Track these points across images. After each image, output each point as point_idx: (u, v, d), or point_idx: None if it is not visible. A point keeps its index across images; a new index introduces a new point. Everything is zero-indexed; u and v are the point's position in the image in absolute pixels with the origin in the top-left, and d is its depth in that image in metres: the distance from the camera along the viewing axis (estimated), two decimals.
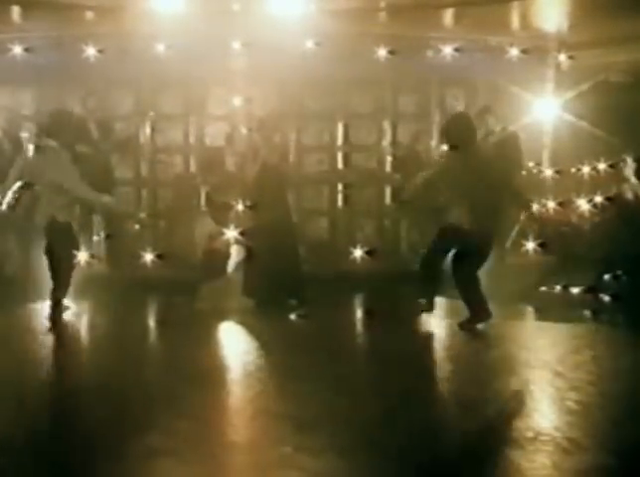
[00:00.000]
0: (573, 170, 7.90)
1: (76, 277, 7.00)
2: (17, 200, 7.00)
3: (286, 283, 6.93)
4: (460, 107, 8.55)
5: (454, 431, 3.93)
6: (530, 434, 3.75)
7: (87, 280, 7.04)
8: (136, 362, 5.31)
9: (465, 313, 6.06)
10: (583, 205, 7.58)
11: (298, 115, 8.40)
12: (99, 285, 7.11)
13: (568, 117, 7.78)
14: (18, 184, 7.14)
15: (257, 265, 6.82)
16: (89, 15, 6.93)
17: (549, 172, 7.97)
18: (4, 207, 7.07)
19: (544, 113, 7.92)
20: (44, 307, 6.65)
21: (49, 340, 6.00)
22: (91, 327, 6.59)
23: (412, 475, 3.40)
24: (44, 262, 6.76)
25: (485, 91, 8.34)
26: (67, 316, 6.49)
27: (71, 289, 6.80)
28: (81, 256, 7.14)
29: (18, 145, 7.49)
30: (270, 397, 4.44)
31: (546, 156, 8.06)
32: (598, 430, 3.92)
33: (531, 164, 8.07)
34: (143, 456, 3.54)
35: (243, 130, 7.55)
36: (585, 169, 7.78)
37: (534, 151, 8.07)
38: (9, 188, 7.14)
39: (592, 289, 7.14)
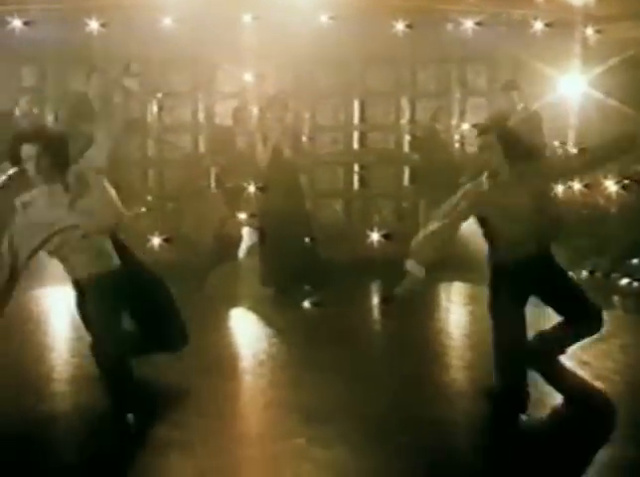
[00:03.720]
0: None
1: None
2: (6, 184, 6.83)
3: (301, 269, 6.72)
4: (482, 84, 8.30)
5: (473, 422, 3.88)
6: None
7: None
8: None
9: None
10: (611, 186, 7.38)
11: (312, 93, 8.13)
12: None
13: (596, 94, 7.49)
14: (13, 169, 6.95)
15: (271, 250, 6.61)
16: None
17: (574, 152, 7.71)
18: None
19: (569, 90, 7.65)
20: (45, 294, 6.53)
21: (52, 327, 5.85)
22: None
23: (426, 468, 3.33)
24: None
25: (508, 67, 8.07)
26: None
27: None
28: None
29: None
30: (283, 387, 4.44)
31: (571, 135, 7.80)
32: (625, 421, 3.85)
33: (556, 143, 7.83)
34: (153, 448, 3.53)
35: (255, 109, 7.33)
36: None
37: (559, 130, 7.84)
38: (4, 170, 6.97)
39: (620, 274, 6.93)
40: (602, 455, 3.46)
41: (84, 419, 3.97)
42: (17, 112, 7.30)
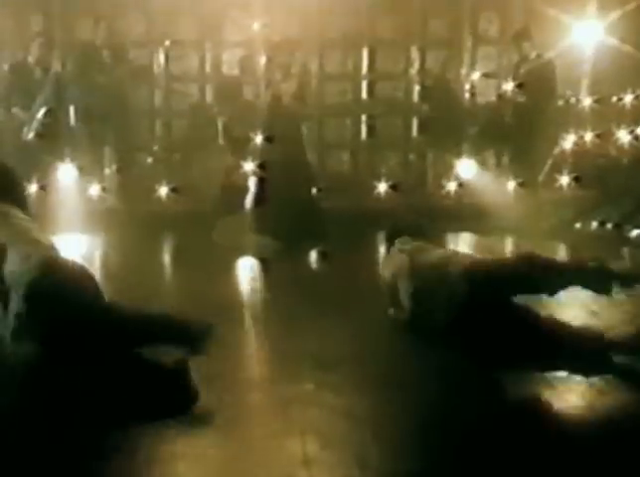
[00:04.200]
0: (614, 99, 7.55)
1: (88, 211, 6.85)
2: (44, 128, 6.80)
3: (305, 219, 6.67)
4: (494, 32, 8.12)
5: (480, 369, 3.76)
6: (562, 374, 3.64)
7: (100, 215, 6.89)
8: (150, 298, 5.13)
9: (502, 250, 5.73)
10: (624, 136, 7.29)
11: (320, 41, 7.98)
12: (112, 220, 6.91)
13: (611, 41, 7.30)
14: (42, 110, 6.93)
15: (274, 200, 6.55)
16: None
17: (587, 101, 7.59)
18: (31, 135, 6.87)
19: (584, 37, 7.46)
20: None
21: None
22: (104, 263, 6.41)
23: (435, 412, 3.29)
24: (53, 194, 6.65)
25: (521, 13, 7.90)
26: (79, 251, 6.38)
27: (83, 224, 6.65)
28: (93, 190, 6.99)
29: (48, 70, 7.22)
30: (290, 334, 4.28)
31: (585, 84, 7.65)
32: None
33: (568, 93, 7.68)
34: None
35: (262, 57, 7.21)
36: (627, 98, 7.42)
37: (572, 79, 7.67)
38: (35, 116, 6.95)
39: (630, 226, 6.81)
40: (610, 402, 3.42)
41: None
42: (30, 59, 7.22)
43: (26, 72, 7.24)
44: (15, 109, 7.09)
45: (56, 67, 7.44)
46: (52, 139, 7.04)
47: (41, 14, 7.73)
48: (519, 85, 7.48)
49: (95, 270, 6.10)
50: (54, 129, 7.06)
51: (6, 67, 7.40)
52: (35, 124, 6.95)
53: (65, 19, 7.67)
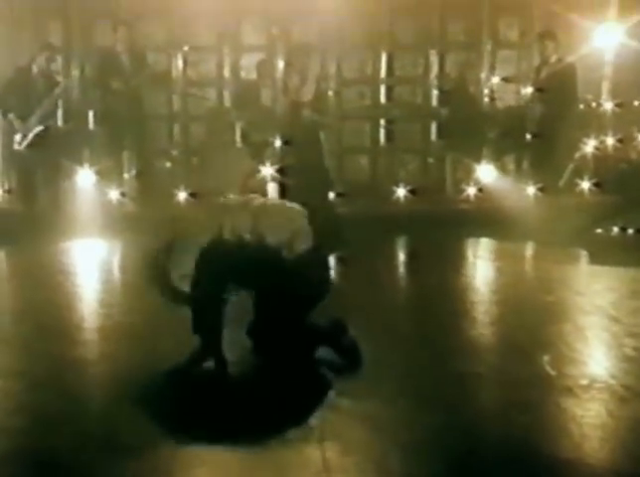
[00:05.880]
0: (636, 103, 7.47)
1: (107, 216, 6.87)
2: (36, 142, 6.83)
3: (323, 225, 6.61)
4: (514, 36, 8.05)
5: (504, 378, 3.76)
6: (584, 382, 3.63)
7: (118, 219, 6.90)
8: (168, 303, 5.12)
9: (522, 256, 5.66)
10: None
11: (338, 45, 7.94)
12: (131, 224, 6.91)
13: (632, 45, 7.22)
14: (40, 128, 6.98)
15: None
16: None
17: (608, 105, 7.51)
18: (23, 145, 6.92)
19: (605, 41, 7.38)
20: (74, 246, 6.55)
21: (81, 279, 5.86)
22: (123, 267, 6.42)
23: (460, 428, 3.23)
24: (72, 200, 6.63)
25: (541, 17, 7.79)
26: (98, 255, 6.40)
27: (102, 228, 6.67)
28: (112, 195, 7.02)
29: (51, 83, 7.23)
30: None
31: (606, 88, 7.57)
32: None
33: (589, 97, 7.60)
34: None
35: (280, 62, 7.21)
36: None
37: (593, 83, 7.59)
38: (31, 128, 6.99)
39: None
40: (632, 410, 3.37)
41: (109, 365, 3.96)
42: (34, 69, 7.23)
43: (29, 81, 7.20)
44: (11, 116, 7.09)
45: (74, 72, 7.49)
46: (42, 149, 7.04)
47: (59, 19, 7.76)
48: (539, 90, 7.41)
49: (114, 275, 6.18)
50: (46, 141, 7.06)
51: (10, 72, 7.35)
52: (30, 137, 7.00)
53: (83, 24, 7.70)
